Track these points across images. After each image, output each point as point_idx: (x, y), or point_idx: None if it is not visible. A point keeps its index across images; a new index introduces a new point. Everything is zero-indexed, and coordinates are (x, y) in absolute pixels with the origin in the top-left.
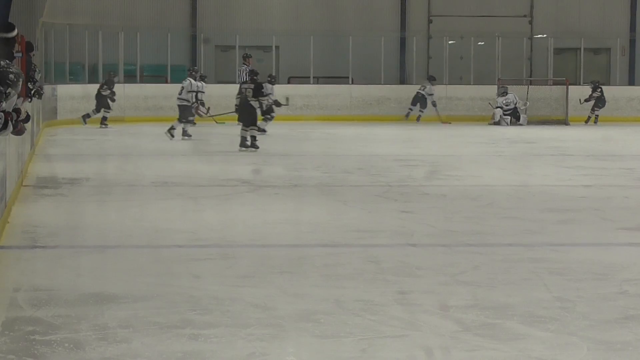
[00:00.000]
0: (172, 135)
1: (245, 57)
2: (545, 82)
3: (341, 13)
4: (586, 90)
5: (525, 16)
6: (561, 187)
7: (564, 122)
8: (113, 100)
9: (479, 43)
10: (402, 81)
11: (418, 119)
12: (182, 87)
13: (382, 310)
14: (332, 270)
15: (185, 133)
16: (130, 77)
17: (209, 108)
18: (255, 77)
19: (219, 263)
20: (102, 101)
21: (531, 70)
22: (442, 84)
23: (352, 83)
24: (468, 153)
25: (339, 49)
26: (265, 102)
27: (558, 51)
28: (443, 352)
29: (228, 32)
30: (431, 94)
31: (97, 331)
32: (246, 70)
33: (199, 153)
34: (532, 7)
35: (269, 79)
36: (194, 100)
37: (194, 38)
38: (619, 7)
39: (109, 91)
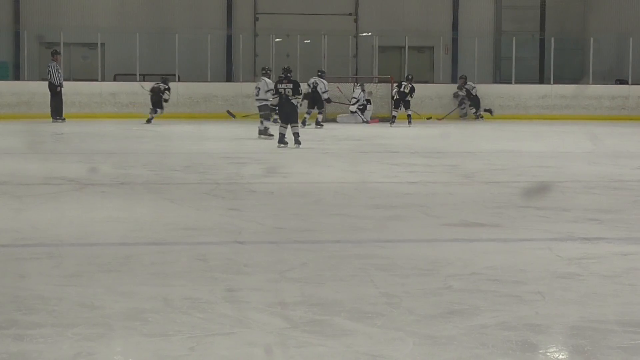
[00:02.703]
0: (271, 134)
1: (54, 54)
2: (370, 80)
3: (167, 10)
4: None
5: (350, 14)
6: (387, 184)
7: (389, 119)
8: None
9: (305, 41)
10: (229, 79)
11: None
12: (258, 88)
13: (210, 308)
14: (160, 269)
15: (265, 132)
16: None
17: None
18: (289, 75)
19: (44, 262)
20: (159, 99)
21: (357, 68)
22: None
23: (179, 81)
24: (295, 150)
25: (165, 46)
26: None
27: (383, 49)
28: (272, 349)
29: (52, 28)
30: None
31: None
32: (56, 67)
33: (25, 151)
34: (357, 5)
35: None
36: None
37: (17, 34)
38: (441, 6)
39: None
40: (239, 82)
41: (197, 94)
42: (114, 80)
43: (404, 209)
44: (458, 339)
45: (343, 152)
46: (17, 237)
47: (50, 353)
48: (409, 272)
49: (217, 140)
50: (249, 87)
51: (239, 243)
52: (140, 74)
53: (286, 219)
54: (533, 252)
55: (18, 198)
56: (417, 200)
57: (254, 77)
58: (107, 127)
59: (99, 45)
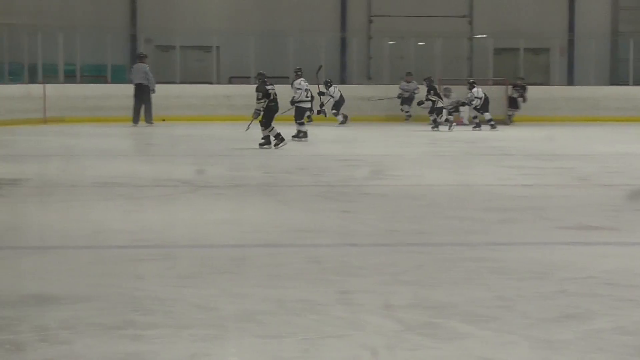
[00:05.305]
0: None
1: (143, 57)
2: (485, 82)
3: (281, 13)
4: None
5: (464, 16)
6: (501, 186)
7: (503, 122)
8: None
9: (419, 43)
10: (343, 81)
11: None
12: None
13: (324, 310)
14: (274, 271)
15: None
16: (70, 78)
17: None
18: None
19: (160, 263)
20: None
21: (471, 71)
22: (383, 84)
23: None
24: (409, 153)
25: (279, 49)
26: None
27: (498, 51)
28: (385, 351)
29: (168, 32)
30: None
31: (39, 332)
32: (144, 69)
33: (140, 154)
34: (471, 7)
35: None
36: None
37: (133, 38)
38: (557, 7)
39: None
40: (353, 84)
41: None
42: (229, 82)
43: (518, 211)
44: (574, 343)
45: (456, 155)
46: (133, 238)
47: (166, 353)
48: (524, 276)
49: (330, 142)
50: (363, 90)
51: (352, 245)
52: (254, 77)
53: (399, 222)
54: None
55: (133, 200)
56: (532, 203)
57: (367, 80)
58: (223, 130)
59: (214, 48)
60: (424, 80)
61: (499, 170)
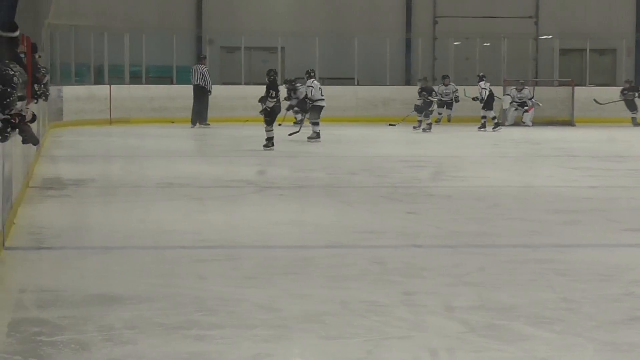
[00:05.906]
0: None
1: (203, 58)
2: (550, 83)
3: (346, 14)
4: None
5: (530, 17)
6: (566, 188)
7: (569, 123)
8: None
9: (485, 44)
10: (408, 82)
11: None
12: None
13: (387, 311)
14: (337, 271)
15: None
16: (135, 79)
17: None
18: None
19: (224, 264)
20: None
21: (537, 71)
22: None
23: (358, 84)
24: (473, 154)
25: (344, 50)
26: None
27: (563, 52)
28: (448, 353)
29: (233, 33)
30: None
31: (103, 332)
32: (201, 70)
33: (203, 154)
34: (537, 7)
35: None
36: None
37: (199, 39)
38: (624, 7)
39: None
40: (418, 85)
41: (375, 97)
42: None
43: (583, 213)
44: None
45: (521, 156)
46: (197, 238)
47: (229, 353)
48: (589, 278)
49: (394, 143)
50: None
51: (416, 246)
52: (319, 78)
53: (463, 223)
54: None
55: (198, 200)
56: (598, 205)
57: (432, 81)
58: (286, 131)
59: (279, 49)
60: (418, 81)
61: (563, 172)
